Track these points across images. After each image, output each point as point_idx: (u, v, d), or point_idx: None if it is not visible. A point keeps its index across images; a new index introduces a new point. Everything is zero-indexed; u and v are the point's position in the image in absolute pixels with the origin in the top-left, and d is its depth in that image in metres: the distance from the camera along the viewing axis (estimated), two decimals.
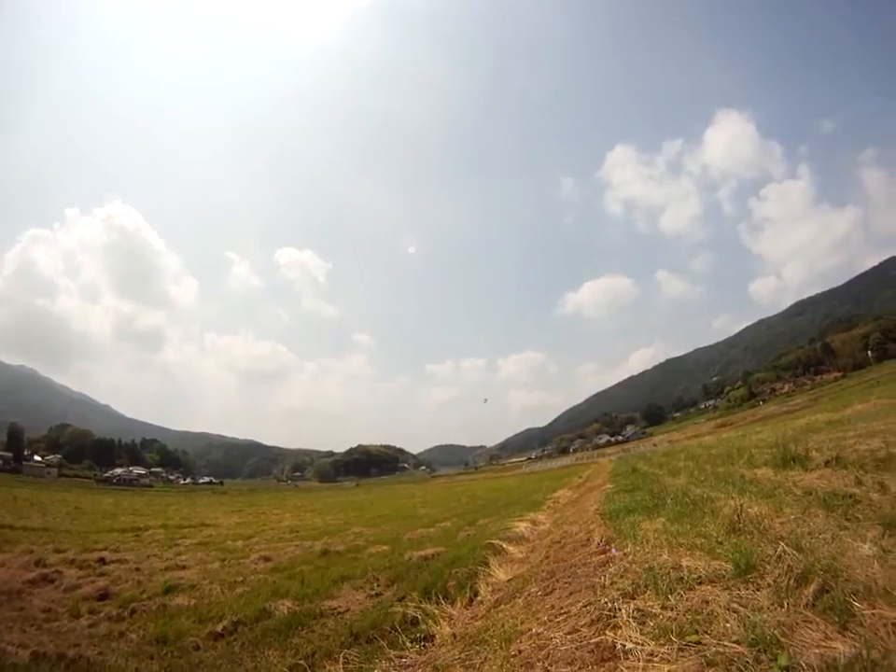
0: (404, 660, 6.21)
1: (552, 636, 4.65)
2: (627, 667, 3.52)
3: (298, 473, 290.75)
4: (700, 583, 4.64)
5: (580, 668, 3.85)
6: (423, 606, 8.18)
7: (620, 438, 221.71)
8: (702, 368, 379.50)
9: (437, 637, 6.82)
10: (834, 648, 3.09)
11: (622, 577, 5.51)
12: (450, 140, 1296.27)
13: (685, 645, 3.53)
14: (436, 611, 7.84)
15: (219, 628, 9.14)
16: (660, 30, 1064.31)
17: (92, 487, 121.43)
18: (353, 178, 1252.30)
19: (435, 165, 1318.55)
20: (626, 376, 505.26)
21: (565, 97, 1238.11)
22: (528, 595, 6.91)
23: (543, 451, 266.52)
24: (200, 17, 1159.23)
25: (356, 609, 9.81)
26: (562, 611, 5.31)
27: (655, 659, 3.50)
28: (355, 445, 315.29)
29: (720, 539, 6.01)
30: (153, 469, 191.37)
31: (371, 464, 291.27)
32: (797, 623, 3.47)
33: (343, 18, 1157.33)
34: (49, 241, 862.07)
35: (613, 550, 6.04)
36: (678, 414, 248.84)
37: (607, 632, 4.16)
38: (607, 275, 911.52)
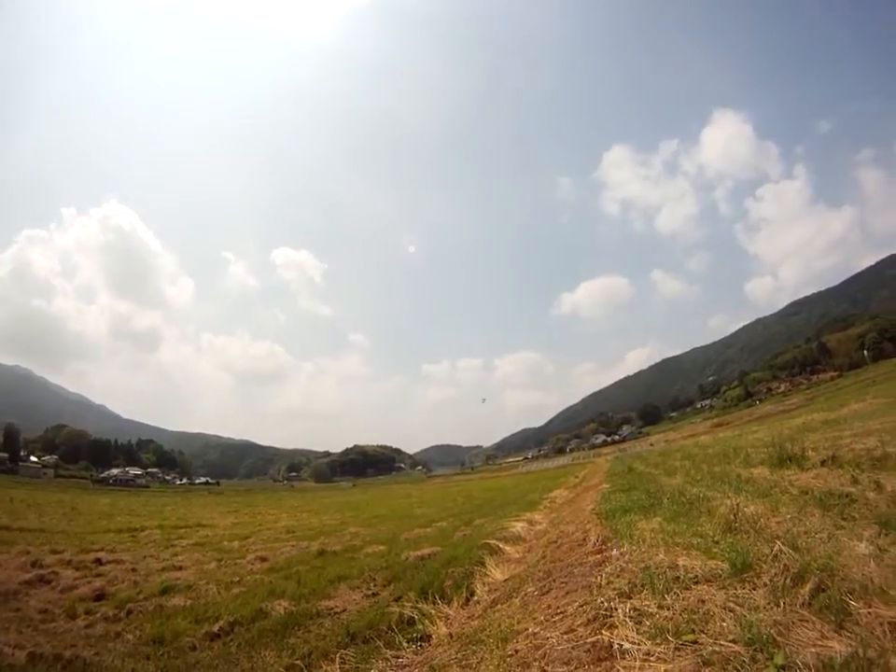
0: (401, 660, 6.21)
1: (548, 635, 4.65)
2: (624, 667, 3.52)
3: (294, 473, 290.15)
4: (696, 583, 4.64)
5: (576, 668, 3.86)
6: (419, 606, 8.19)
7: (616, 438, 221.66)
8: (698, 367, 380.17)
9: (433, 636, 6.83)
10: (831, 647, 3.09)
11: (618, 576, 5.51)
12: (446, 139, 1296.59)
13: (682, 644, 3.54)
14: (432, 611, 7.84)
15: (216, 628, 9.13)
16: (657, 30, 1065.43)
17: (89, 488, 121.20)
18: (349, 178, 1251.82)
19: (431, 165, 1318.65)
20: (623, 376, 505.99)
21: (561, 97, 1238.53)
22: (525, 594, 6.92)
23: (540, 451, 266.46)
24: (196, 16, 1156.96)
25: (352, 609, 9.81)
26: (558, 611, 5.31)
27: (652, 658, 3.50)
28: (351, 445, 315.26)
29: (716, 539, 6.03)
30: (149, 470, 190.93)
31: (368, 464, 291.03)
32: (793, 623, 3.48)
33: (339, 17, 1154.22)
34: (45, 241, 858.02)
35: (614, 550, 6.03)
36: (674, 414, 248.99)
37: (603, 631, 4.16)
38: (603, 275, 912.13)
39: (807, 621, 3.49)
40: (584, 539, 8.96)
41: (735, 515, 6.65)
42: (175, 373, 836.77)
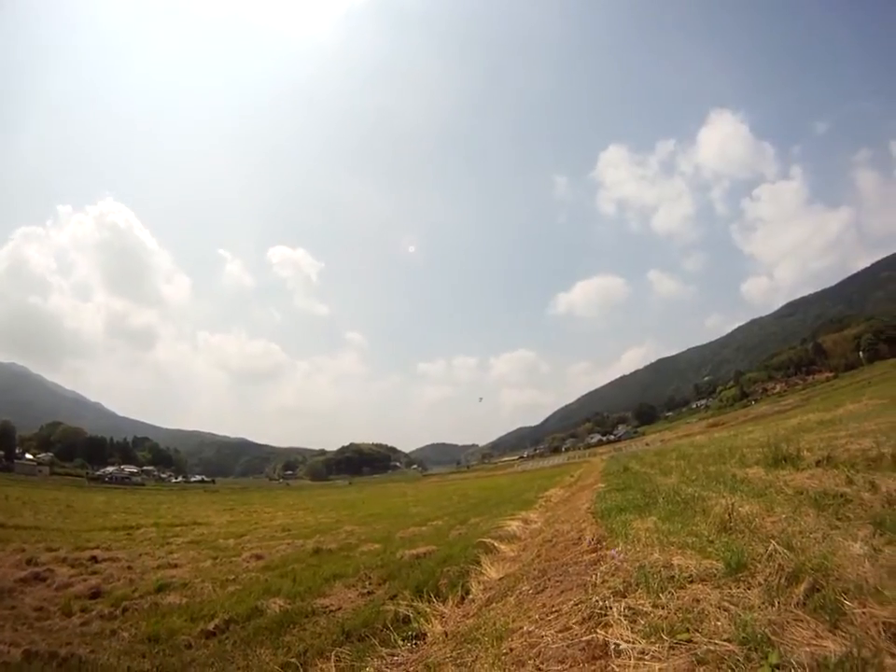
0: (396, 658, 6.21)
1: (543, 634, 4.66)
2: (618, 665, 3.52)
3: (290, 472, 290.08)
4: (691, 582, 4.65)
5: (571, 666, 3.86)
6: (415, 604, 8.20)
7: (612, 437, 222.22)
8: (694, 367, 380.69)
9: (429, 635, 6.84)
10: (825, 646, 3.10)
11: (613, 575, 5.52)
12: (444, 139, 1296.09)
13: (676, 643, 3.54)
14: (428, 610, 7.85)
15: (211, 626, 9.14)
16: (654, 30, 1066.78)
17: (84, 485, 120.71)
18: (346, 177, 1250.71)
19: (428, 164, 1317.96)
20: (618, 375, 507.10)
21: (559, 97, 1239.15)
22: (520, 593, 6.92)
23: (535, 450, 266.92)
24: (195, 15, 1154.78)
25: (348, 608, 9.81)
26: (553, 610, 5.32)
27: (646, 657, 3.50)
28: (347, 444, 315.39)
29: (711, 538, 6.04)
30: (145, 468, 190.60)
31: (364, 462, 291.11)
32: (788, 622, 3.48)
33: (337, 16, 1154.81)
34: (41, 238, 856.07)
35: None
36: (669, 414, 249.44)
37: (598, 630, 4.16)
38: (599, 275, 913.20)
39: (802, 620, 3.50)
40: (579, 538, 8.97)
41: (729, 515, 6.66)
42: (171, 371, 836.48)
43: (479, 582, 9.19)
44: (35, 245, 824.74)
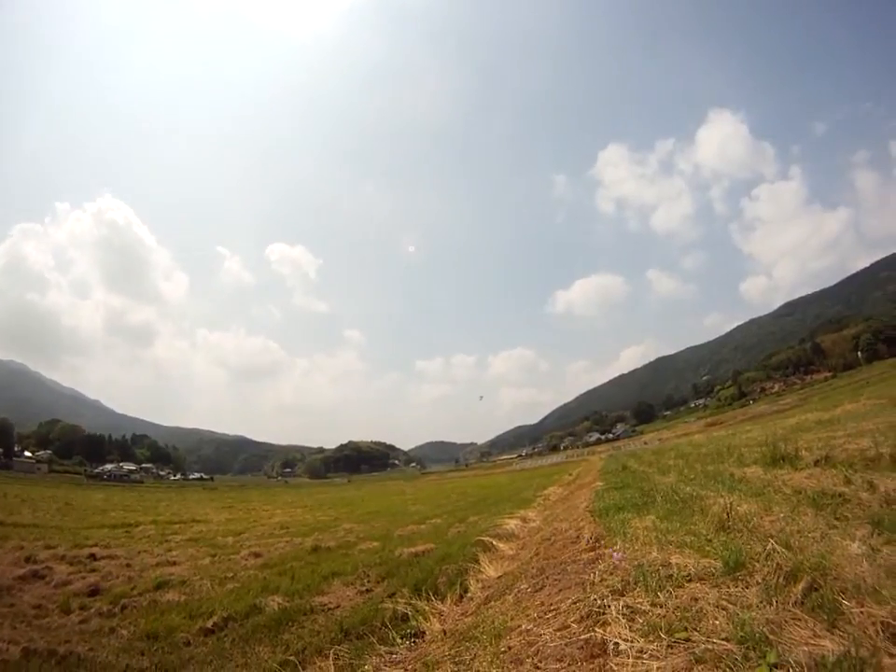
0: (394, 656, 6.21)
1: (541, 632, 4.66)
2: (616, 664, 3.53)
3: (288, 469, 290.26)
4: (689, 581, 4.65)
5: (569, 665, 3.86)
6: (413, 602, 8.19)
7: (610, 436, 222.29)
8: (692, 367, 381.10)
9: (427, 633, 6.84)
10: (823, 646, 3.10)
11: (611, 574, 5.52)
12: (442, 137, 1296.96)
13: (674, 642, 3.54)
14: (426, 608, 7.86)
15: (210, 624, 9.14)
16: (653, 30, 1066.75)
17: (83, 483, 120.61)
18: (345, 174, 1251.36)
19: (427, 162, 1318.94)
20: (617, 374, 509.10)
21: (558, 95, 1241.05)
22: (518, 591, 6.93)
23: (534, 448, 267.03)
24: (194, 13, 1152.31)
25: (346, 606, 9.82)
26: (552, 608, 5.32)
27: (644, 656, 3.50)
28: (345, 441, 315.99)
29: (709, 537, 6.04)
30: (143, 465, 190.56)
31: (362, 460, 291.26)
32: (786, 621, 3.49)
33: (336, 14, 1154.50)
34: (39, 235, 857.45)
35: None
36: (668, 413, 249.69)
37: (596, 629, 4.17)
38: (598, 273, 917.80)
39: (800, 619, 3.50)
40: (578, 537, 8.97)
41: (728, 514, 6.66)
42: (169, 369, 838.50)
43: (477, 581, 9.20)
44: (34, 241, 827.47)
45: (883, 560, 4.23)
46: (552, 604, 5.48)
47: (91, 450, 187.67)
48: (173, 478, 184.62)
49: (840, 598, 3.61)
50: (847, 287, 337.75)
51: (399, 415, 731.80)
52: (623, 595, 4.69)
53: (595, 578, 5.61)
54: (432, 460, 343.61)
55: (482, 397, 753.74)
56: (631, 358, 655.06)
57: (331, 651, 6.62)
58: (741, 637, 3.32)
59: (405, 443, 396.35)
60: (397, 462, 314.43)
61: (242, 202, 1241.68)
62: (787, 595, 3.86)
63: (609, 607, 4.45)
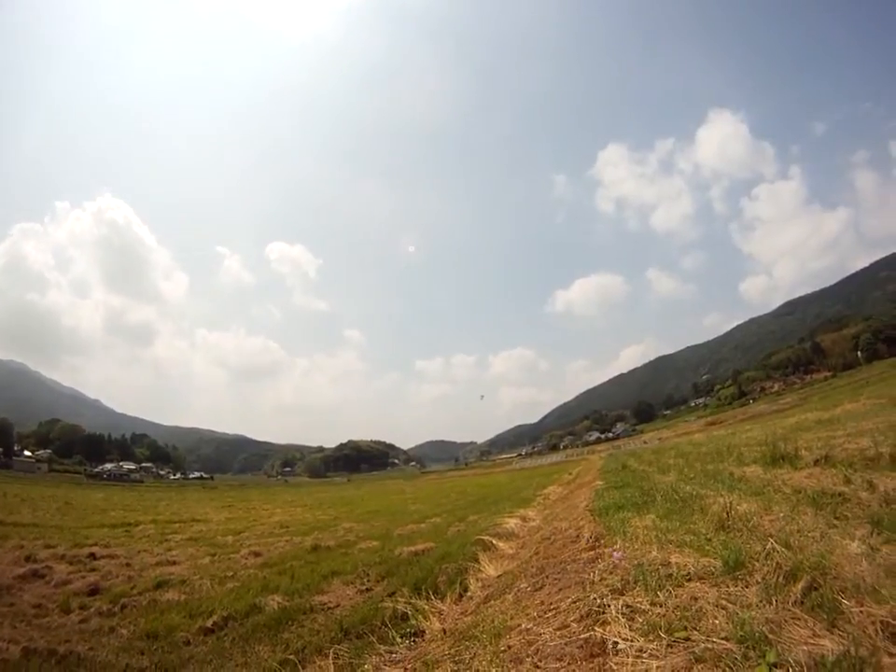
0: (394, 655, 6.21)
1: (541, 631, 4.66)
2: (616, 663, 3.52)
3: (288, 468, 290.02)
4: (689, 580, 4.65)
5: (569, 664, 3.86)
6: (413, 601, 8.18)
7: (610, 435, 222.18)
8: (692, 366, 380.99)
9: (427, 632, 6.83)
10: (822, 645, 3.10)
11: (611, 573, 5.52)
12: (442, 137, 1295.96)
13: (674, 641, 3.54)
14: (426, 607, 7.85)
15: (210, 623, 9.15)
16: (653, 30, 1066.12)
17: (82, 482, 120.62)
18: (344, 173, 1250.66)
19: (427, 162, 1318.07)
20: (617, 374, 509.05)
21: (557, 95, 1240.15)
22: (518, 590, 6.92)
23: (533, 447, 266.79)
24: (194, 13, 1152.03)
25: (346, 605, 9.82)
26: (551, 607, 5.32)
27: (644, 655, 3.50)
28: (345, 441, 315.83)
29: (709, 536, 6.04)
30: (143, 465, 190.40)
31: (362, 459, 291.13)
32: (785, 621, 3.49)
33: (336, 14, 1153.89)
34: (39, 235, 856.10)
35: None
36: (668, 412, 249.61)
37: (596, 628, 4.16)
38: (598, 273, 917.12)
39: (799, 619, 3.50)
40: (578, 536, 8.97)
41: (727, 513, 6.66)
42: (169, 368, 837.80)
43: (477, 580, 9.19)
44: (33, 241, 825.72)
45: (882, 559, 4.23)
46: (551, 603, 5.48)
47: (91, 449, 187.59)
48: (172, 477, 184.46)
49: (840, 598, 3.61)
50: (847, 287, 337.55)
51: (398, 415, 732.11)
52: (623, 595, 4.69)
53: (594, 577, 5.61)
54: (432, 459, 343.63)
55: (483, 396, 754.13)
56: (631, 358, 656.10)
57: (331, 651, 6.61)
58: (741, 636, 3.32)
59: (405, 443, 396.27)
60: (396, 461, 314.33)
61: (241, 201, 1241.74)
62: (786, 595, 3.85)
63: (609, 606, 4.45)
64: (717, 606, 3.92)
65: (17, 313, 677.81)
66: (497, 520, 16.84)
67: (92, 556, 16.96)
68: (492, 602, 7.08)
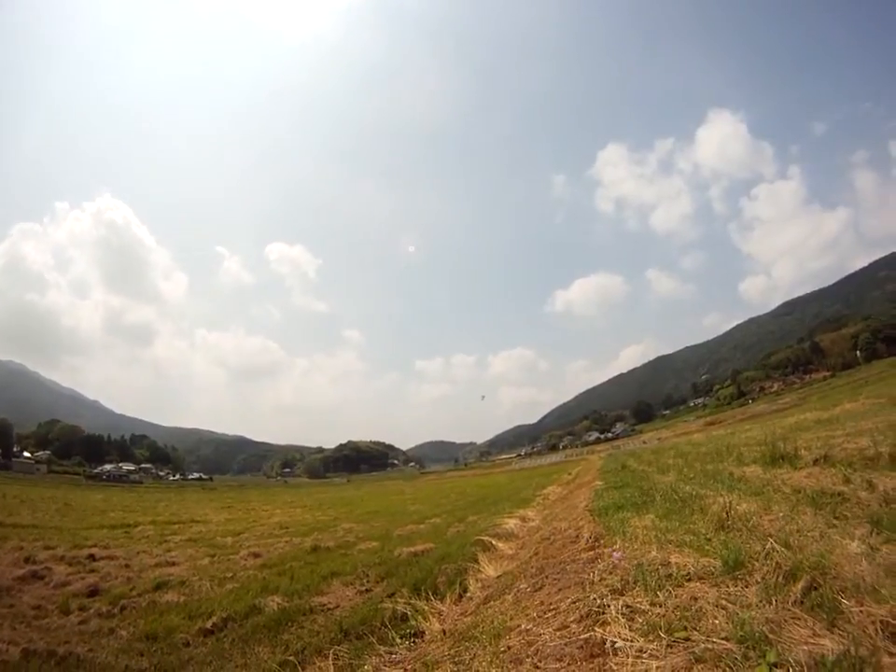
0: (394, 656, 6.21)
1: (541, 632, 4.66)
2: (616, 663, 3.52)
3: (287, 469, 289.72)
4: (689, 580, 4.65)
5: (568, 664, 3.86)
6: (412, 602, 8.18)
7: (609, 435, 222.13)
8: (691, 366, 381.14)
9: (426, 633, 6.83)
10: (822, 645, 3.10)
11: (611, 573, 5.52)
12: (441, 137, 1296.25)
13: (674, 641, 3.54)
14: (426, 608, 7.85)
15: (209, 624, 9.14)
16: (653, 30, 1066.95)
17: (82, 483, 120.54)
18: (344, 174, 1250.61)
19: (426, 162, 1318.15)
20: (616, 374, 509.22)
21: (557, 95, 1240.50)
22: (517, 591, 6.92)
23: (533, 448, 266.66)
24: (194, 11, 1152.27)
25: (345, 606, 9.82)
26: (551, 608, 5.32)
27: (644, 655, 3.50)
28: (345, 441, 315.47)
29: (708, 536, 6.03)
30: (143, 466, 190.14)
31: (361, 460, 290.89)
32: (785, 621, 3.48)
33: (336, 14, 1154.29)
34: (38, 235, 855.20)
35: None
36: (667, 412, 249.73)
37: (596, 628, 4.16)
38: (597, 273, 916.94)
39: (799, 619, 3.50)
40: (577, 536, 8.96)
41: (727, 513, 6.66)
42: (169, 369, 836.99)
43: (477, 580, 9.19)
44: (33, 241, 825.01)
45: (882, 559, 4.23)
46: (551, 603, 5.48)
47: (91, 450, 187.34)
48: (172, 478, 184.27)
49: (839, 597, 3.61)
50: (846, 287, 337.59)
51: (398, 415, 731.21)
52: (623, 595, 4.69)
53: (594, 577, 5.61)
54: (431, 460, 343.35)
55: (483, 396, 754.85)
56: (630, 358, 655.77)
57: (331, 652, 6.62)
58: (741, 636, 3.32)
59: (404, 443, 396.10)
60: (396, 462, 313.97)
61: (241, 201, 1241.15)
62: (786, 595, 3.85)
63: (609, 606, 4.44)
64: (717, 606, 3.92)
65: (16, 313, 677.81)
66: (496, 520, 16.84)
67: (92, 557, 16.94)
68: (492, 603, 7.08)
